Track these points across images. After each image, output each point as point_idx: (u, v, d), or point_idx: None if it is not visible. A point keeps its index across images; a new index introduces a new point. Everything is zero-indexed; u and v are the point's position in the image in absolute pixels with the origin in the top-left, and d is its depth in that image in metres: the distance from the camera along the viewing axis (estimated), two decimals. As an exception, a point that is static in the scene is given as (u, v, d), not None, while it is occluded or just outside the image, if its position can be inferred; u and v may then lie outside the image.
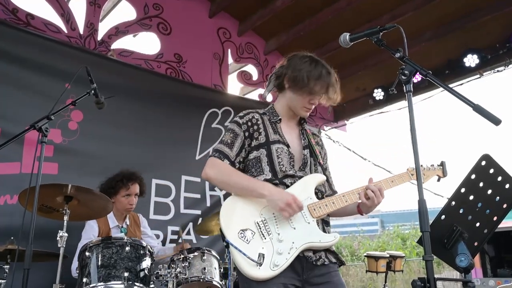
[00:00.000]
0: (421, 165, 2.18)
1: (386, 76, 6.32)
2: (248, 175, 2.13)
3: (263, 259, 1.84)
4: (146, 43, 5.37)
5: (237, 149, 2.12)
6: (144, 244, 2.75)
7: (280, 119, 2.24)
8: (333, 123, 7.18)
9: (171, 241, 4.63)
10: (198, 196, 4.98)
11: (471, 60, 5.44)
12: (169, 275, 2.69)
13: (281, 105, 2.29)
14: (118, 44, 4.97)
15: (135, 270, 2.59)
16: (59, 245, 2.54)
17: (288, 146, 2.18)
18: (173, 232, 4.68)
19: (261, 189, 1.98)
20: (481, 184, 1.79)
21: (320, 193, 2.20)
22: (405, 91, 1.76)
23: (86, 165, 4.21)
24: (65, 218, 2.61)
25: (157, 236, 4.48)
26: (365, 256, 5.36)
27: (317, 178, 2.16)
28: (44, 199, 2.66)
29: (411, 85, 1.74)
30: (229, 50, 6.08)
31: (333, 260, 2.08)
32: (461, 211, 1.78)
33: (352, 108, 7.02)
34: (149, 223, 4.17)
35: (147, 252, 2.72)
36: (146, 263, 2.66)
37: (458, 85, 5.76)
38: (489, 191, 1.81)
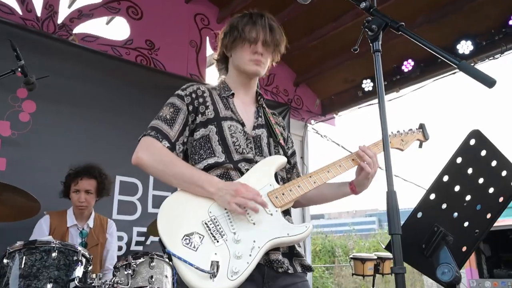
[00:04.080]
0: (398, 131, 1.93)
1: (376, 66, 5.93)
2: (192, 163, 1.76)
3: (217, 268, 1.44)
4: (114, 28, 4.96)
5: (179, 126, 1.73)
6: (78, 249, 2.33)
7: (232, 94, 1.87)
8: (320, 116, 6.78)
9: (137, 243, 4.23)
10: (169, 194, 4.50)
11: (465, 46, 5.07)
12: (103, 285, 2.26)
13: (231, 75, 1.93)
14: (81, 28, 4.56)
15: (63, 281, 2.17)
16: (-30, 251, 2.14)
17: (243, 124, 1.80)
18: (139, 234, 4.27)
19: (208, 186, 1.59)
20: (469, 171, 1.37)
21: (282, 181, 1.83)
22: (372, 50, 1.38)
23: (39, 161, 3.81)
24: (-20, 218, 2.20)
25: (121, 238, 4.07)
26: (351, 258, 4.95)
27: (277, 160, 1.77)
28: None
29: (379, 43, 1.35)
30: (208, 38, 5.68)
31: (299, 269, 1.69)
32: (444, 207, 1.36)
33: (340, 100, 6.65)
34: (111, 224, 3.75)
35: (81, 258, 2.30)
36: (79, 271, 2.24)
37: (451, 73, 5.38)
38: (481, 180, 1.39)
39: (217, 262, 1.45)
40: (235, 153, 1.71)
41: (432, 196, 1.35)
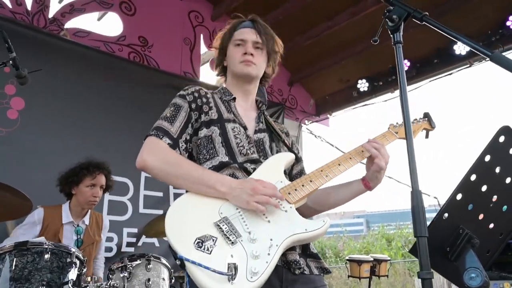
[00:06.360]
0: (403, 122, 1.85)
1: (372, 66, 5.90)
2: (198, 163, 1.66)
3: (236, 270, 1.34)
4: (106, 24, 4.85)
5: (181, 123, 1.65)
6: (72, 250, 2.22)
7: (234, 98, 1.81)
8: (314, 116, 6.72)
9: (128, 244, 4.11)
10: (160, 194, 4.47)
11: (461, 47, 5.06)
12: (98, 289, 2.16)
13: (229, 81, 1.89)
14: (73, 23, 4.44)
15: (56, 284, 2.06)
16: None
17: (245, 128, 1.74)
18: (130, 235, 4.15)
19: (220, 186, 1.50)
20: (497, 170, 1.30)
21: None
22: (392, 42, 1.31)
23: (27, 160, 3.69)
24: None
25: (111, 239, 3.95)
26: (347, 260, 4.89)
27: (285, 156, 1.71)
28: None
29: (401, 34, 1.28)
30: (202, 36, 5.59)
31: (315, 271, 1.61)
32: (470, 207, 1.28)
33: (334, 100, 6.60)
34: (102, 224, 3.62)
35: (75, 260, 2.19)
36: (72, 274, 2.13)
37: (447, 74, 5.36)
38: (508, 180, 1.32)
39: (234, 264, 1.35)
40: (239, 155, 1.65)
41: (459, 196, 1.27)
